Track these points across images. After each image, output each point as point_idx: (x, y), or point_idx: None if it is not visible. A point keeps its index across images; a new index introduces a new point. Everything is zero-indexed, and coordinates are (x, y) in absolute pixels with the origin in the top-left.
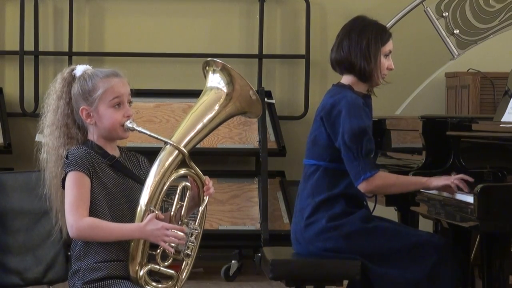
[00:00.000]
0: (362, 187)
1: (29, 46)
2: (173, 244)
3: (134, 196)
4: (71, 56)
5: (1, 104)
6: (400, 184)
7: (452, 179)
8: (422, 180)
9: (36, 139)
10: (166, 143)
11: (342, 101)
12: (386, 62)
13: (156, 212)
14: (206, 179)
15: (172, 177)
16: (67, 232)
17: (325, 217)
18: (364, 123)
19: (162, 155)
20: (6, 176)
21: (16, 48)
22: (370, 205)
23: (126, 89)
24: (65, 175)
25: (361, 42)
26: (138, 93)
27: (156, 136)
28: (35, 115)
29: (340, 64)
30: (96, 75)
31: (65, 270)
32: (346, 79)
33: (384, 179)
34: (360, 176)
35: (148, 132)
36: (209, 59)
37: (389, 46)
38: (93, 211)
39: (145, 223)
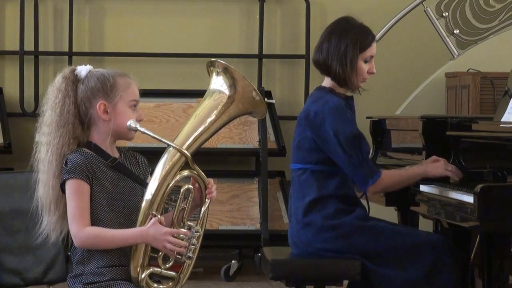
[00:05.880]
0: (370, 190)
1: (29, 46)
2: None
3: (135, 197)
4: (71, 56)
5: (1, 104)
6: (405, 180)
7: (448, 170)
8: (421, 170)
9: (36, 139)
10: (169, 145)
11: (325, 108)
12: (366, 67)
13: (159, 216)
14: (210, 182)
15: (175, 179)
16: (57, 235)
17: (320, 217)
18: (355, 127)
19: (165, 157)
20: (6, 176)
21: (16, 48)
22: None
23: (138, 93)
24: (63, 181)
25: (340, 46)
26: None
27: (159, 138)
28: (35, 115)
29: (318, 66)
30: (114, 73)
31: (65, 270)
32: (327, 81)
33: (390, 178)
34: (368, 181)
35: (151, 134)
36: (213, 59)
37: (370, 51)
38: (96, 215)
39: (148, 227)
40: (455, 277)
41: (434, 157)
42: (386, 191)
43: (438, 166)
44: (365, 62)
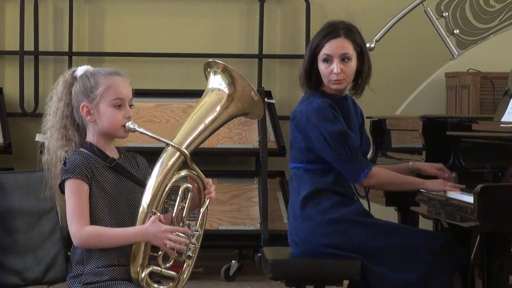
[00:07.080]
0: (364, 183)
1: (29, 46)
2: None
3: (134, 198)
4: (71, 56)
5: (1, 104)
6: (399, 182)
7: (447, 186)
8: (419, 181)
9: (36, 139)
10: (167, 144)
11: (308, 109)
12: (325, 68)
13: (158, 214)
14: (208, 183)
15: (174, 179)
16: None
17: (316, 211)
18: (339, 125)
19: (164, 156)
20: (6, 176)
21: (16, 48)
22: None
23: (128, 91)
24: (63, 181)
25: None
26: (138, 93)
27: (157, 137)
28: (35, 115)
29: None
30: (98, 72)
31: (65, 270)
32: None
33: (385, 174)
34: (360, 175)
35: (150, 133)
36: (210, 60)
37: (324, 50)
38: (94, 216)
39: (148, 225)
40: (452, 277)
41: (441, 165)
42: (382, 188)
43: (437, 182)
44: (326, 62)
